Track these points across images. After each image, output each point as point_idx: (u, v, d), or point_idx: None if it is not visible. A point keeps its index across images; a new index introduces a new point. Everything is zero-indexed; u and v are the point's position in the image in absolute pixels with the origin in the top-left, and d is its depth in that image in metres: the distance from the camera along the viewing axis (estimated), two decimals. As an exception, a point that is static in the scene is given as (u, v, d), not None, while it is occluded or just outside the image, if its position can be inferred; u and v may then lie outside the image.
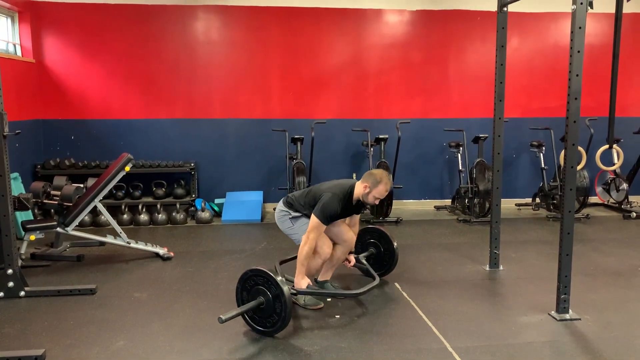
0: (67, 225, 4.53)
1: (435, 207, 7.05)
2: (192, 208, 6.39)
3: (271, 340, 3.14)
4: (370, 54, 6.79)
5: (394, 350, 3.00)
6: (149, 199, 6.37)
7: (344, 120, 6.74)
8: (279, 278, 3.07)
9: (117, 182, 4.80)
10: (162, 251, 4.80)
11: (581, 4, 3.09)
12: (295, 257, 3.50)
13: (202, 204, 6.29)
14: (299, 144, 6.29)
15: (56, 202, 4.70)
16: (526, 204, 6.92)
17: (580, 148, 6.13)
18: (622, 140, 6.60)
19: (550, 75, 6.99)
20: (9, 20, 6.04)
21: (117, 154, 5.29)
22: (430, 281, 4.17)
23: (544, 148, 6.64)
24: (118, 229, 4.75)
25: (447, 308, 3.62)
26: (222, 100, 6.66)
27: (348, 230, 3.72)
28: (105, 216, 4.83)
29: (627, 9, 6.31)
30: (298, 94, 6.73)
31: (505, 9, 4.11)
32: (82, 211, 4.61)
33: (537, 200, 6.77)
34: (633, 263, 4.59)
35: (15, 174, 5.54)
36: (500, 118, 4.21)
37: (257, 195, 6.59)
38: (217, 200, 6.70)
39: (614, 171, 6.72)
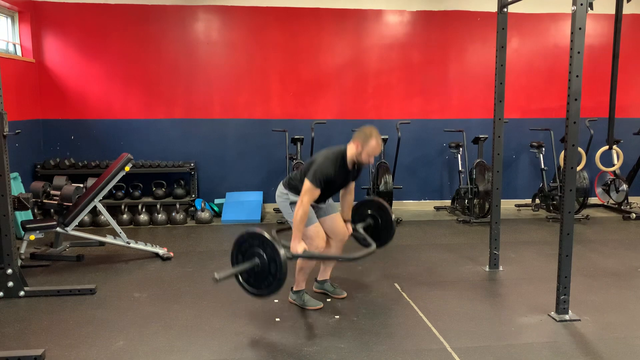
0: (67, 225, 4.53)
1: (435, 207, 7.05)
2: (192, 208, 6.39)
3: (270, 340, 3.14)
4: (370, 55, 6.79)
5: (393, 350, 3.00)
6: (149, 199, 6.37)
7: (344, 120, 6.74)
8: (274, 241, 3.00)
9: (117, 182, 4.80)
10: (161, 251, 4.80)
11: (581, 5, 3.09)
12: (291, 228, 3.43)
13: (202, 204, 6.29)
14: (299, 144, 6.29)
15: (56, 202, 4.70)
16: (526, 205, 6.93)
17: (580, 149, 6.14)
18: (621, 141, 6.60)
19: (550, 76, 6.99)
20: (9, 20, 6.04)
21: (117, 153, 5.29)
22: (430, 282, 4.17)
23: (543, 149, 6.64)
24: (118, 229, 4.75)
25: (447, 308, 3.62)
26: (222, 100, 6.66)
27: (342, 225, 3.69)
28: (105, 216, 4.83)
29: (627, 9, 6.32)
30: (298, 94, 6.73)
31: (505, 9, 4.12)
32: (81, 211, 4.61)
33: (537, 201, 6.77)
34: (633, 264, 4.59)
35: (15, 174, 5.54)
36: (500, 119, 4.22)
37: (257, 196, 6.59)
38: (217, 201, 6.70)
39: (614, 172, 6.72)
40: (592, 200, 7.02)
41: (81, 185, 4.87)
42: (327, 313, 3.54)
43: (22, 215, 5.43)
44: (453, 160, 6.96)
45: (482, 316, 3.49)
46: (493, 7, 4.41)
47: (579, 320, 3.38)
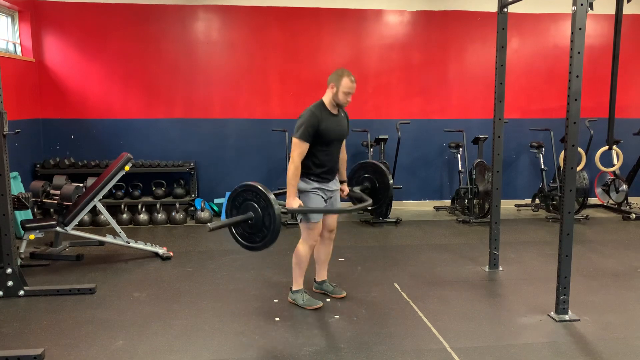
0: (67, 225, 4.53)
1: (434, 207, 7.05)
2: (192, 208, 6.39)
3: (270, 340, 3.14)
4: (370, 54, 6.79)
5: (393, 350, 3.00)
6: (149, 199, 6.37)
7: (343, 120, 6.72)
8: (267, 192, 2.98)
9: (117, 181, 4.79)
10: (161, 251, 4.80)
11: (581, 5, 3.10)
12: (285, 192, 3.43)
13: (202, 204, 6.29)
14: (298, 144, 6.28)
15: (56, 202, 4.70)
16: (526, 205, 6.93)
17: (579, 149, 6.14)
18: (621, 142, 6.60)
19: (550, 76, 7.00)
20: (9, 19, 6.04)
21: (116, 153, 5.29)
22: (429, 282, 4.17)
23: (543, 149, 6.64)
24: (117, 228, 4.74)
25: (447, 309, 3.62)
26: (222, 100, 6.66)
27: (334, 218, 3.71)
28: (105, 216, 4.82)
29: (627, 10, 6.32)
30: (298, 94, 6.73)
31: (505, 9, 4.12)
32: (81, 210, 4.60)
33: (537, 201, 6.77)
34: (632, 264, 4.59)
35: (15, 173, 5.53)
36: (500, 119, 4.22)
37: (256, 195, 6.57)
38: (216, 200, 6.70)
39: (614, 172, 6.72)
40: (592, 200, 7.02)
41: (81, 184, 4.87)
42: (326, 313, 3.54)
43: (22, 215, 5.42)
44: (453, 160, 6.96)
45: (481, 316, 3.49)
46: (493, 7, 4.41)
47: (579, 320, 3.38)
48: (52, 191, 4.80)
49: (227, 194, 6.58)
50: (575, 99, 3.19)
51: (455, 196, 6.74)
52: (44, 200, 4.73)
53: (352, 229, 5.93)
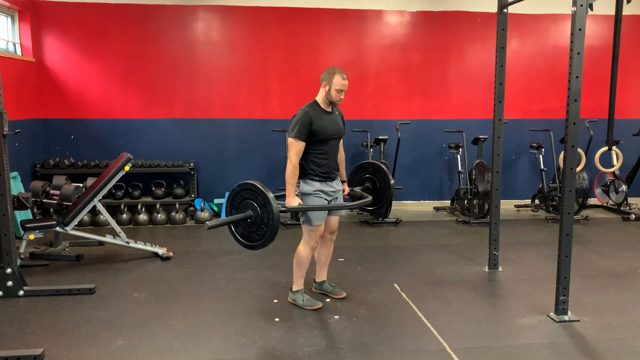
0: (66, 225, 4.53)
1: (434, 208, 7.05)
2: (192, 208, 6.39)
3: (270, 340, 3.14)
4: (370, 55, 6.79)
5: (392, 351, 3.00)
6: (148, 199, 6.37)
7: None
8: (265, 190, 2.99)
9: (117, 181, 4.79)
10: (161, 251, 4.80)
11: (581, 5, 3.10)
12: (284, 196, 3.44)
13: (202, 204, 6.29)
14: (298, 144, 6.28)
15: (55, 202, 4.70)
16: (525, 205, 6.93)
17: (579, 150, 6.14)
18: (621, 142, 6.60)
19: (550, 76, 7.00)
20: (9, 19, 6.04)
21: (116, 153, 5.29)
22: (429, 282, 4.17)
23: (543, 149, 6.65)
24: (117, 228, 4.74)
25: (446, 309, 3.62)
26: (222, 100, 6.66)
27: (336, 220, 3.71)
28: (105, 216, 4.82)
29: (627, 10, 6.31)
30: (298, 94, 6.73)
31: (505, 10, 4.12)
32: (81, 211, 4.60)
33: (537, 201, 6.78)
34: (632, 265, 4.59)
35: (15, 173, 5.53)
36: (499, 119, 4.22)
37: (256, 196, 6.57)
38: (216, 200, 6.69)
39: (613, 173, 6.73)
40: (592, 201, 7.03)
41: (81, 184, 4.87)
42: (326, 313, 3.54)
43: (22, 215, 5.42)
44: (453, 161, 6.96)
45: (481, 317, 3.50)
46: (493, 8, 4.41)
47: (578, 321, 3.38)
48: (51, 191, 4.80)
49: (227, 194, 6.60)
50: (575, 100, 3.19)
51: (455, 196, 6.74)
52: (43, 200, 4.73)
53: (352, 229, 5.93)
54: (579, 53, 3.16)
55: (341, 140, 3.70)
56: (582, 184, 6.24)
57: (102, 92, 6.46)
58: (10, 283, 3.74)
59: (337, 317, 3.48)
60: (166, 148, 6.61)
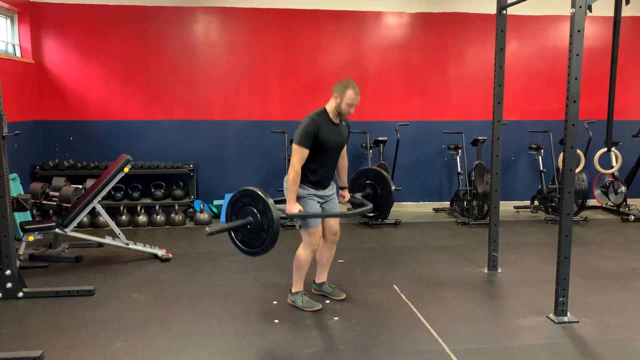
0: (66, 226, 4.53)
1: (434, 209, 7.05)
2: (191, 209, 6.39)
3: (269, 342, 3.14)
4: (370, 56, 6.80)
5: (392, 352, 3.00)
6: (148, 200, 6.37)
7: (343, 122, 6.73)
8: (266, 196, 2.99)
9: (116, 183, 4.79)
10: (160, 252, 4.80)
11: (580, 7, 3.11)
12: (284, 201, 3.43)
13: (201, 206, 6.29)
14: (298, 145, 6.28)
15: (55, 203, 4.70)
16: (525, 207, 6.93)
17: (578, 151, 6.14)
18: (620, 143, 6.61)
19: (549, 78, 7.01)
20: (9, 21, 6.04)
21: (116, 155, 5.29)
22: (428, 283, 4.17)
23: (542, 151, 6.65)
24: (117, 230, 4.74)
25: (446, 310, 3.62)
26: (222, 101, 6.66)
27: (337, 224, 3.70)
28: (104, 217, 4.82)
29: (625, 12, 6.33)
30: (297, 95, 6.73)
31: (504, 11, 4.13)
32: (80, 212, 4.60)
33: (536, 202, 6.78)
34: (631, 266, 4.60)
35: (14, 175, 5.53)
36: (499, 121, 4.22)
37: (256, 197, 6.57)
38: (215, 202, 6.69)
39: (613, 174, 6.73)
40: (591, 202, 7.03)
41: (80, 186, 4.86)
42: (326, 315, 3.54)
43: (21, 216, 5.42)
44: (452, 162, 6.97)
45: (480, 318, 3.50)
46: (492, 9, 4.42)
47: (578, 322, 3.38)
48: (51, 193, 4.80)
49: (227, 196, 6.63)
50: (574, 101, 3.20)
51: (455, 198, 6.74)
52: (43, 201, 4.73)
53: (351, 230, 5.93)
54: (578, 54, 3.16)
55: (345, 147, 3.70)
56: (581, 185, 6.24)
57: (102, 94, 6.46)
58: (9, 285, 3.74)
59: (337, 318, 3.48)
60: (166, 149, 6.61)
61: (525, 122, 7.02)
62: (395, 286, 4.08)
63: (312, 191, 3.49)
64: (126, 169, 4.74)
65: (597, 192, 7.10)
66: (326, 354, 2.98)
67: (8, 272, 3.72)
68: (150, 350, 3.02)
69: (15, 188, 5.48)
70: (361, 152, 6.79)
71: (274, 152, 6.68)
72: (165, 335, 3.23)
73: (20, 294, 3.77)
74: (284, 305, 3.69)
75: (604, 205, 7.05)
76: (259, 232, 3.03)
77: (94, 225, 5.98)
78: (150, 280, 4.25)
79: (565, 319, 3.39)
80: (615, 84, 6.09)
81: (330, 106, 3.50)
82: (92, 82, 6.43)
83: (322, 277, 3.87)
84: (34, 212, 5.62)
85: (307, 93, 6.74)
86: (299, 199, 3.45)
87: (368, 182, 3.98)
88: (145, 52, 6.45)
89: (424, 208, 7.12)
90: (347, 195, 3.81)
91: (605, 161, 6.64)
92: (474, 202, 6.31)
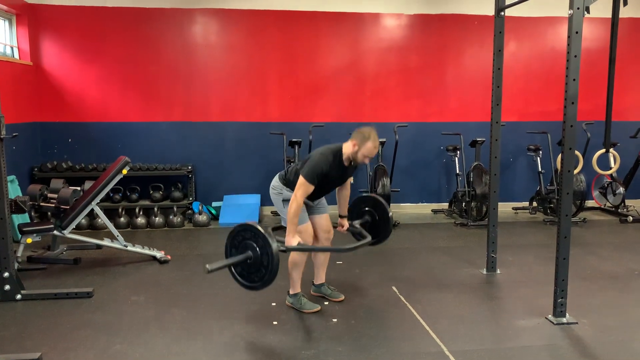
0: (64, 228, 4.52)
1: (432, 210, 7.05)
2: (190, 211, 6.38)
3: (268, 343, 3.14)
4: (368, 58, 6.80)
5: (391, 353, 3.00)
6: (146, 202, 6.36)
7: (341, 123, 6.74)
8: (266, 232, 3.01)
9: (114, 185, 4.79)
10: (159, 254, 4.79)
11: (578, 8, 3.11)
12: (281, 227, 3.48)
13: (200, 207, 6.28)
14: (296, 147, 6.29)
15: (53, 205, 4.69)
16: (523, 208, 6.94)
17: (577, 152, 6.15)
18: (618, 144, 6.61)
19: (548, 79, 7.01)
20: (7, 22, 6.04)
21: (114, 156, 5.28)
22: (427, 285, 4.17)
23: (541, 152, 6.66)
24: (115, 232, 4.74)
25: (445, 311, 3.62)
26: (220, 103, 6.66)
27: (329, 223, 3.73)
28: (102, 219, 4.82)
29: (623, 13, 6.33)
30: (296, 97, 6.73)
31: (502, 13, 4.13)
32: (79, 214, 4.60)
33: (534, 204, 6.78)
34: (630, 267, 4.60)
35: (12, 177, 5.53)
36: (497, 122, 4.23)
37: (254, 199, 6.58)
38: (214, 204, 6.68)
39: (611, 175, 6.73)
40: (589, 203, 7.04)
41: (78, 188, 4.86)
42: (324, 316, 3.53)
43: (19, 218, 5.40)
44: (450, 163, 6.97)
45: (479, 319, 3.50)
46: (490, 11, 4.42)
47: (577, 323, 3.38)
48: (49, 195, 4.79)
49: (225, 197, 6.63)
50: (572, 102, 3.20)
51: (453, 199, 6.75)
52: (41, 203, 4.72)
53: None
54: (576, 56, 3.17)
55: (350, 179, 3.73)
56: (579, 187, 6.25)
57: (100, 96, 6.46)
58: (7, 287, 3.73)
59: (336, 320, 3.48)
60: (164, 151, 6.61)
61: (524, 123, 7.03)
62: (394, 287, 4.08)
63: None
64: (124, 171, 4.74)
65: (595, 193, 7.11)
66: (325, 355, 2.98)
67: (6, 274, 3.72)
68: (149, 352, 3.02)
69: (14, 190, 5.47)
70: (360, 153, 6.78)
71: (273, 154, 6.68)
72: (164, 337, 3.22)
73: (19, 296, 3.76)
74: (282, 307, 3.68)
75: (602, 207, 7.05)
76: (258, 267, 3.05)
77: (92, 227, 5.97)
78: (148, 282, 4.24)
79: (564, 320, 3.40)
80: (613, 85, 6.10)
81: (346, 149, 3.48)
82: (90, 84, 6.42)
83: (320, 278, 3.87)
84: (32, 214, 5.62)
85: (305, 94, 6.75)
86: (286, 201, 3.49)
87: (367, 209, 4.02)
88: (143, 54, 6.45)
89: (423, 209, 7.12)
90: (345, 224, 3.83)
91: (604, 162, 6.64)
92: (473, 204, 6.32)
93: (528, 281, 4.24)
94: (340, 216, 3.82)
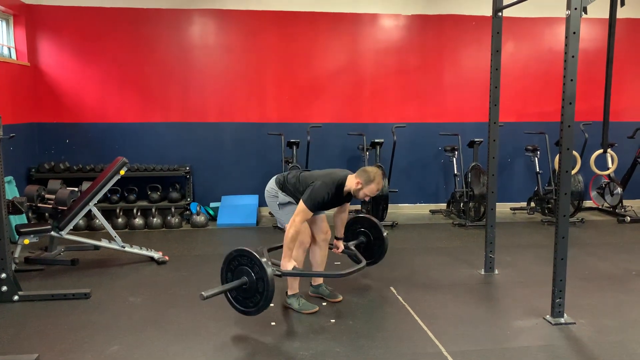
0: (62, 229, 4.51)
1: (430, 211, 7.05)
2: (187, 212, 6.38)
3: (266, 344, 3.13)
4: (366, 58, 6.80)
5: (389, 354, 3.00)
6: (144, 203, 6.35)
7: (339, 124, 6.75)
8: (262, 259, 3.07)
9: (112, 185, 4.78)
10: (156, 255, 4.78)
11: (575, 9, 3.11)
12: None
13: (197, 208, 6.28)
14: (294, 147, 6.29)
15: (50, 206, 4.68)
16: (521, 208, 6.95)
17: (574, 152, 6.15)
18: (616, 145, 6.62)
19: (545, 79, 7.03)
20: (4, 23, 6.02)
21: (112, 157, 5.27)
22: (425, 285, 4.17)
23: (538, 152, 6.67)
24: (113, 232, 4.73)
25: (443, 312, 3.62)
26: (218, 103, 6.66)
27: (326, 224, 3.76)
28: (100, 220, 4.81)
29: (621, 14, 6.35)
30: (294, 97, 6.74)
31: (500, 13, 4.14)
32: (76, 215, 4.59)
33: (532, 204, 6.79)
34: (627, 267, 4.61)
35: (10, 178, 5.51)
36: (495, 122, 4.23)
37: (252, 199, 6.58)
38: (212, 204, 6.68)
39: (608, 175, 6.75)
40: (587, 203, 7.05)
41: (76, 189, 4.85)
42: (323, 317, 3.53)
43: (17, 219, 5.39)
44: (448, 164, 6.97)
45: (477, 319, 3.50)
46: (488, 11, 4.43)
47: (575, 323, 3.38)
48: (47, 195, 4.78)
49: (223, 198, 6.62)
50: (570, 103, 3.20)
51: (451, 199, 6.75)
52: (38, 204, 4.71)
53: (348, 232, 5.93)
54: (573, 56, 3.17)
55: (348, 203, 3.78)
56: (577, 187, 6.26)
57: (98, 96, 6.45)
58: (4, 288, 3.72)
59: (334, 320, 3.47)
60: (162, 152, 6.60)
61: (522, 123, 7.04)
62: (392, 288, 4.08)
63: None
64: (122, 172, 4.73)
65: (593, 193, 7.12)
66: (323, 356, 2.97)
67: (3, 275, 3.71)
68: (146, 354, 3.01)
69: (11, 191, 5.46)
70: (358, 154, 6.79)
71: (271, 155, 6.68)
72: (161, 338, 3.22)
73: (16, 297, 3.75)
74: (280, 308, 3.68)
75: (600, 207, 7.07)
76: (253, 293, 3.12)
77: (90, 228, 5.96)
78: (146, 283, 4.23)
79: (562, 320, 3.40)
80: (610, 86, 6.10)
81: (349, 184, 3.52)
82: (87, 85, 6.41)
83: (318, 279, 3.86)
84: (30, 215, 5.60)
85: (303, 95, 6.75)
86: (282, 204, 3.59)
87: (362, 229, 4.12)
88: (141, 55, 6.44)
89: (421, 210, 7.13)
90: (341, 246, 3.89)
91: (601, 163, 6.65)
92: (471, 204, 6.32)
93: (526, 281, 4.24)
94: (337, 238, 3.89)
